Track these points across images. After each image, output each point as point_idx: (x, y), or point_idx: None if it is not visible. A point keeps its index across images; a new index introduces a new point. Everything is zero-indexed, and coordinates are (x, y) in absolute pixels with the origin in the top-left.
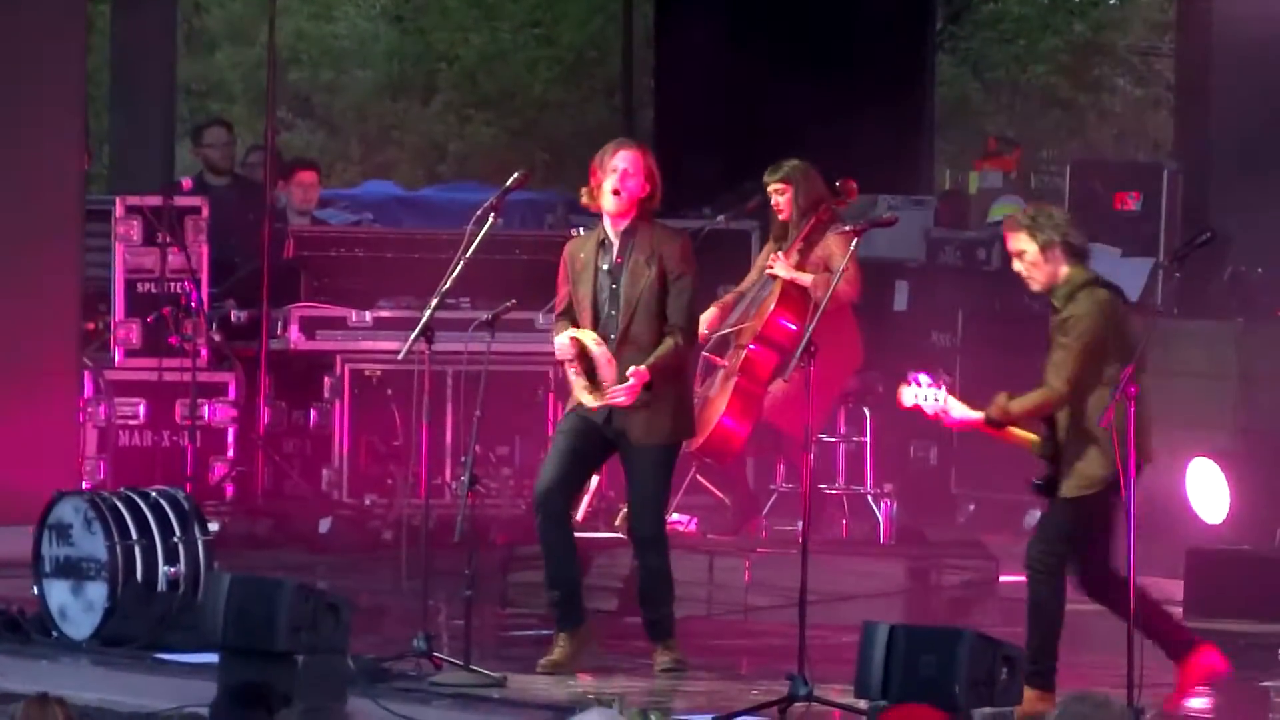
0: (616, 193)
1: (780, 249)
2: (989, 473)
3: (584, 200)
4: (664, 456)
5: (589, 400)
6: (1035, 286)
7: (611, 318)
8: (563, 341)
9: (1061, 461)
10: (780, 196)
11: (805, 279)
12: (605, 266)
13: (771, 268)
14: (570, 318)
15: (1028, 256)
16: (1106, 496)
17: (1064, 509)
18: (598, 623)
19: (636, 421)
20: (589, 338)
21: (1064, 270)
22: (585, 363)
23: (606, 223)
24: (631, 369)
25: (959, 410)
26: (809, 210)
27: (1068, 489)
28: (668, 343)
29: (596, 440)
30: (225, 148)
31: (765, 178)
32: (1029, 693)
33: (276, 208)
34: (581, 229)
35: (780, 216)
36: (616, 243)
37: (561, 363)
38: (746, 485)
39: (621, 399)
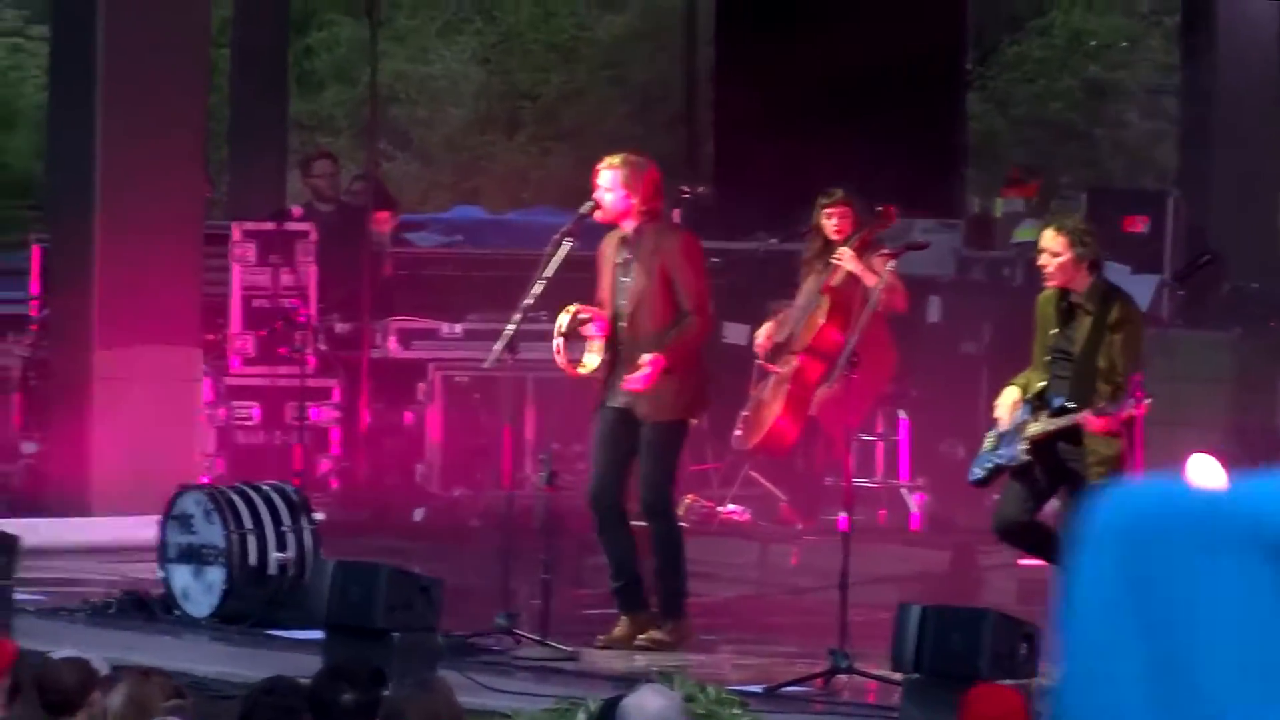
0: (594, 206)
1: (825, 268)
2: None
3: None
4: (669, 433)
5: (592, 361)
6: (1052, 282)
7: (621, 307)
8: (562, 322)
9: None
10: (840, 219)
11: (870, 276)
12: (619, 261)
13: (833, 271)
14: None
15: (1060, 260)
16: None
17: None
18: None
19: (643, 399)
20: (571, 312)
21: (1089, 278)
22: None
23: (624, 225)
24: (647, 356)
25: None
26: (855, 232)
27: (1105, 476)
28: (680, 328)
29: (624, 426)
30: (331, 178)
31: (820, 201)
32: None
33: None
34: None
35: (835, 236)
36: (629, 241)
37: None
38: (806, 482)
39: (639, 385)
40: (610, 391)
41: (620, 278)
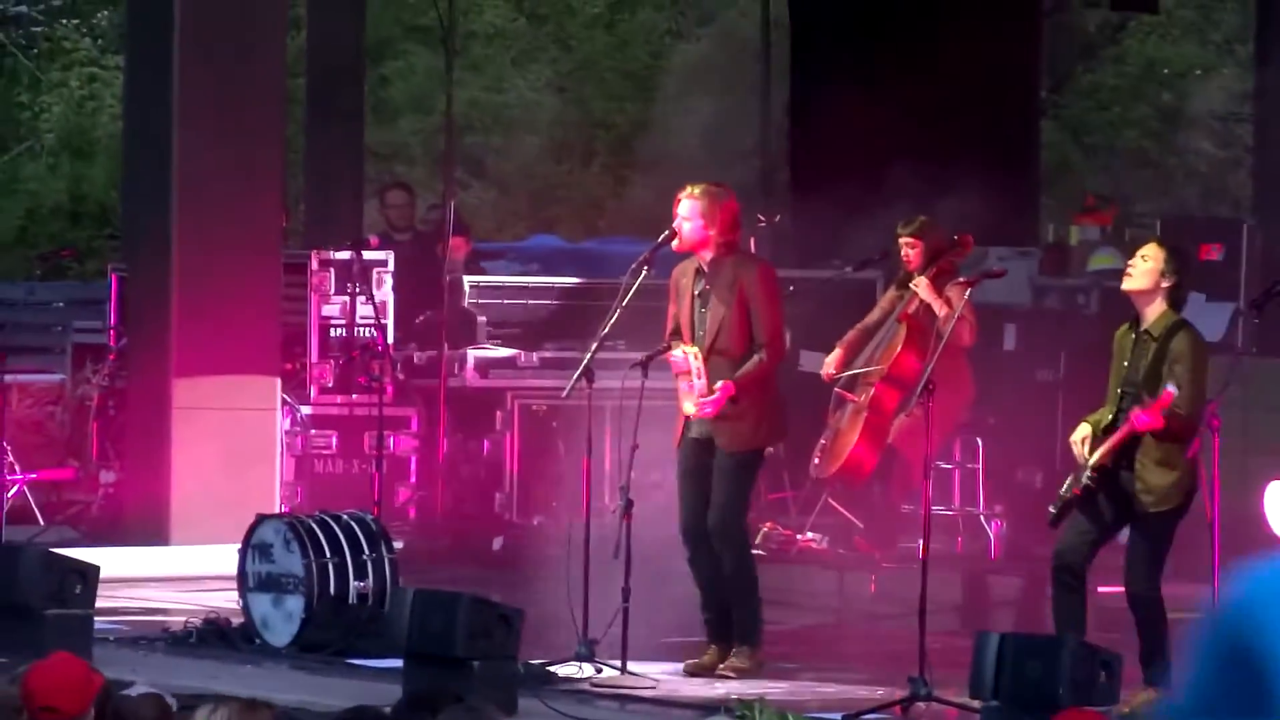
0: (672, 234)
1: (904, 295)
2: None
3: None
4: (745, 461)
5: (689, 409)
6: (1129, 285)
7: (700, 337)
8: (678, 355)
9: (1137, 479)
10: (911, 250)
11: (941, 306)
12: (697, 291)
13: (910, 299)
14: (677, 335)
15: (1149, 265)
16: (1181, 513)
17: (1154, 525)
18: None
19: (723, 430)
20: (693, 352)
21: (1162, 305)
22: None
23: (701, 255)
24: (719, 383)
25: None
26: (932, 261)
27: (1153, 506)
28: (753, 359)
29: (707, 456)
30: (406, 208)
31: (899, 230)
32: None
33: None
34: None
35: (909, 267)
36: (706, 271)
37: (678, 374)
38: (883, 510)
39: (709, 410)
40: (690, 424)
41: (699, 308)
